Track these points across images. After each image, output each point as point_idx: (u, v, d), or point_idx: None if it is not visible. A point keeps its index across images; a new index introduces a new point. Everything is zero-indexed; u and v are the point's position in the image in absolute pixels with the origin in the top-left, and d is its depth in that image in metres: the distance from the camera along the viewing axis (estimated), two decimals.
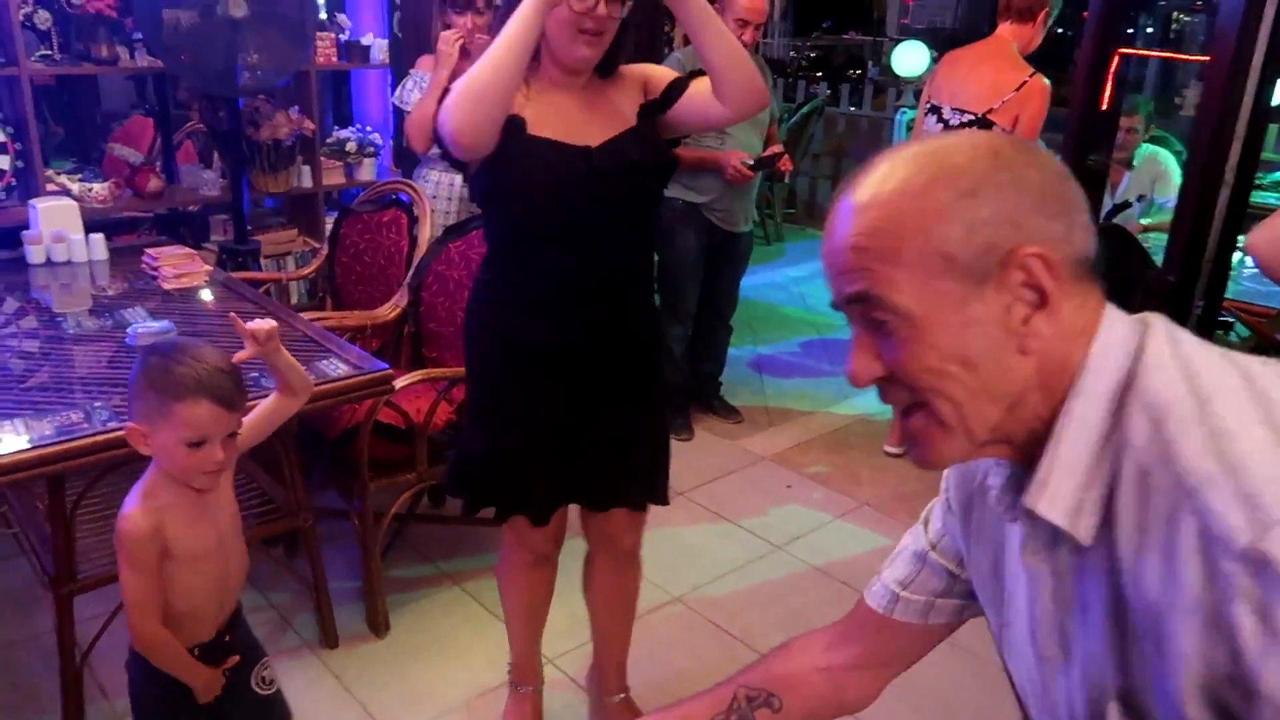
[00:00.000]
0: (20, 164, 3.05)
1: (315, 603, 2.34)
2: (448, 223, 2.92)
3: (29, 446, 1.72)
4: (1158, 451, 0.68)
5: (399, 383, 2.23)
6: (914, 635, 1.04)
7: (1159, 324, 0.75)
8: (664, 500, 1.91)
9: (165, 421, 1.38)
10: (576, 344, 1.73)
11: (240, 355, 1.45)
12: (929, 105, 3.20)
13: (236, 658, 1.57)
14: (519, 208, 1.67)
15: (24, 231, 2.78)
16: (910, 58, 6.04)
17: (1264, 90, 2.42)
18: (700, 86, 1.68)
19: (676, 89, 1.71)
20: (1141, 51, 6.32)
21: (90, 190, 3.09)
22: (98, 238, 2.82)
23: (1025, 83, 2.98)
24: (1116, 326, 0.74)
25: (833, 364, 4.36)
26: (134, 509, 1.43)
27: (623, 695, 2.08)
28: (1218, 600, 0.64)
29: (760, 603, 2.60)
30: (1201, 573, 0.65)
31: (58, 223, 2.78)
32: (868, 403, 3.91)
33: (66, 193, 3.03)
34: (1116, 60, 2.96)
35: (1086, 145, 2.96)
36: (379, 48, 3.83)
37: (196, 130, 3.96)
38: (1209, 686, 0.66)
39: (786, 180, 6.89)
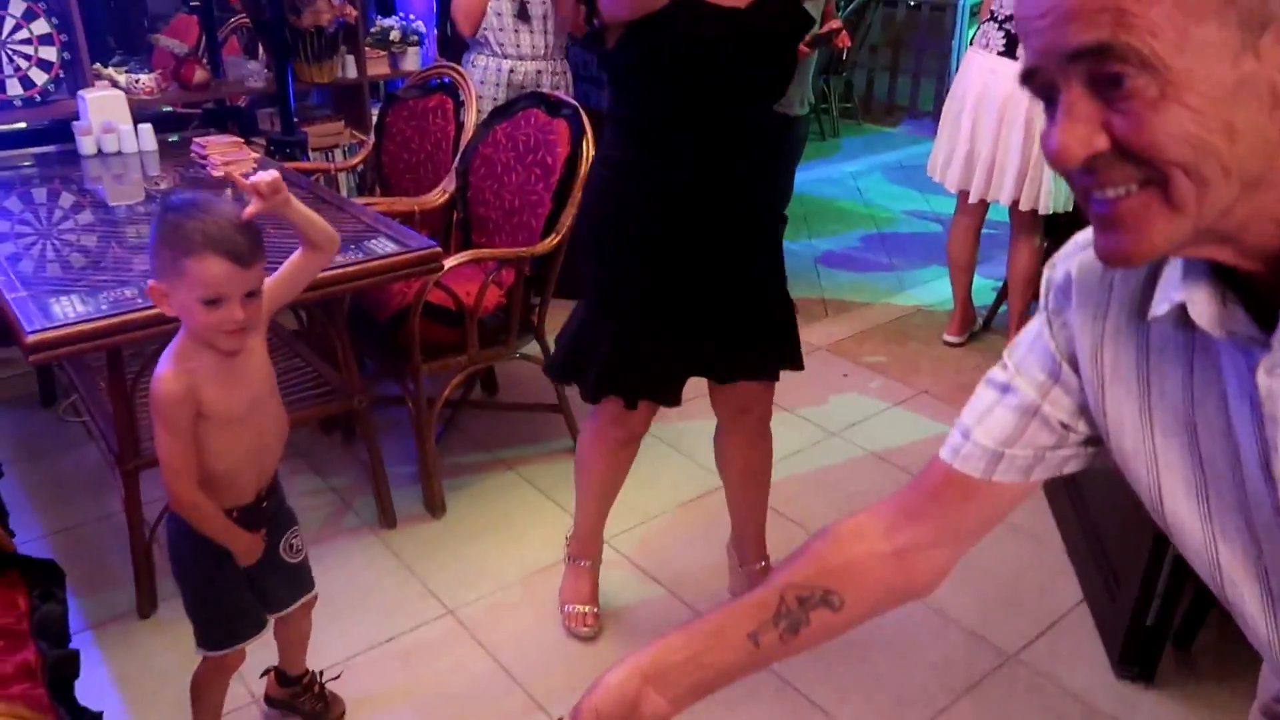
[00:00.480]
0: (67, 55, 3.03)
1: (373, 485, 2.37)
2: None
3: (84, 318, 1.75)
4: None
5: (448, 262, 2.20)
6: (1010, 495, 0.93)
7: None
8: (799, 364, 1.91)
9: (180, 279, 1.35)
10: (708, 220, 1.71)
11: (248, 211, 1.38)
12: None
13: (264, 529, 1.58)
14: (669, 73, 1.62)
15: (75, 122, 2.78)
16: None
17: None
18: None
19: None
20: None
21: (137, 82, 3.06)
22: (146, 128, 2.81)
23: None
24: None
25: (890, 257, 4.24)
26: (166, 371, 1.42)
27: (763, 563, 2.09)
28: None
29: (817, 487, 2.57)
30: None
31: (106, 113, 2.77)
32: (927, 294, 3.81)
33: (114, 84, 3.01)
34: None
35: None
36: None
37: (241, 26, 3.90)
38: None
39: (843, 73, 6.68)
